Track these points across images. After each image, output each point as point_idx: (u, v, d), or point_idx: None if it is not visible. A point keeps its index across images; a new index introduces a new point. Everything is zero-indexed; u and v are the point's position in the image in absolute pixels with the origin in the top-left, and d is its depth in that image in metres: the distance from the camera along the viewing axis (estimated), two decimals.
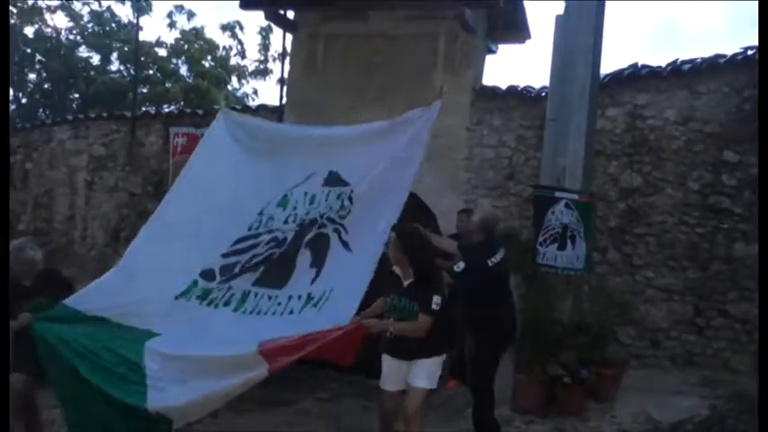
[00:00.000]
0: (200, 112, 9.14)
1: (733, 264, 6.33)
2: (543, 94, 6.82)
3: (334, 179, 4.63)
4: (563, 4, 6.11)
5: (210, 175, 4.70)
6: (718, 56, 6.46)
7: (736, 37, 26.12)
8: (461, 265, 4.77)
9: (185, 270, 4.30)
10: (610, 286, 6.49)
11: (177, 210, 4.60)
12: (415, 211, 7.35)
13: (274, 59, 16.08)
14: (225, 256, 4.35)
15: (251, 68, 16.61)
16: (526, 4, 7.93)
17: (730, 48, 6.36)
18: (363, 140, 4.68)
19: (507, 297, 4.99)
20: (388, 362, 4.35)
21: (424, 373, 4.26)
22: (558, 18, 6.13)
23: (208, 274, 4.28)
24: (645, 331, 6.58)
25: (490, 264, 4.77)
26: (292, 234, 4.42)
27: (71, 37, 15.27)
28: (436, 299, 4.11)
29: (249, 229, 4.45)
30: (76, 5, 15.12)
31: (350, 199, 4.48)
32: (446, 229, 7.09)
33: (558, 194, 5.77)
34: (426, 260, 4.30)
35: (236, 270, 4.31)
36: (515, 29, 8.16)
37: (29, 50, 14.62)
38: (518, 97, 7.25)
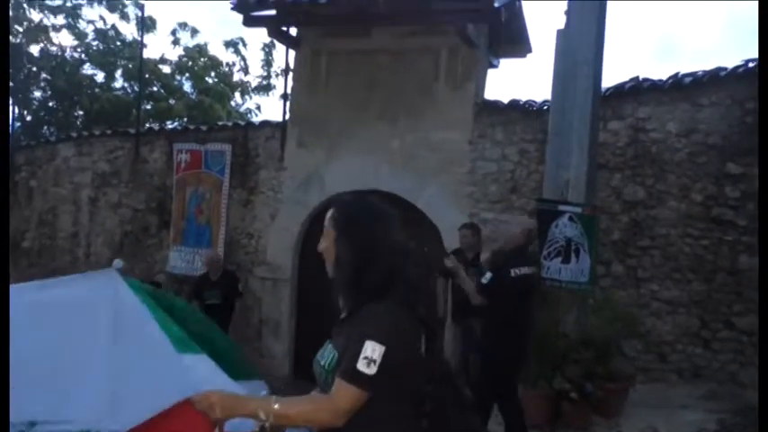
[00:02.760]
0: (203, 128, 9.18)
1: (737, 276, 6.30)
2: (545, 107, 6.83)
3: None
4: (564, 19, 6.14)
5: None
6: (719, 68, 6.47)
7: (736, 52, 26.22)
8: (488, 275, 4.70)
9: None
10: (615, 299, 6.46)
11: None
12: (419, 227, 7.40)
13: (277, 75, 16.14)
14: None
15: (254, 84, 16.67)
16: (527, 19, 7.99)
17: (730, 62, 6.36)
18: None
19: (528, 313, 4.91)
20: None
21: None
22: (559, 32, 6.15)
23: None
24: (651, 345, 6.54)
25: (513, 274, 4.73)
26: None
27: (76, 55, 15.36)
28: (371, 350, 1.83)
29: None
30: (82, 24, 15.25)
31: None
32: (450, 245, 7.08)
33: (561, 208, 5.75)
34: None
35: None
36: (517, 43, 8.21)
37: (34, 69, 14.71)
38: (520, 111, 7.27)
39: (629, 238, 6.72)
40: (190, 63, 15.94)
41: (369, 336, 1.82)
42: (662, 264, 6.59)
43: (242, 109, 16.82)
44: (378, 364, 1.80)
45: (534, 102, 7.26)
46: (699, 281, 6.45)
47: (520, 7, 7.69)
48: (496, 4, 6.75)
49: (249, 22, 7.74)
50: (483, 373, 4.91)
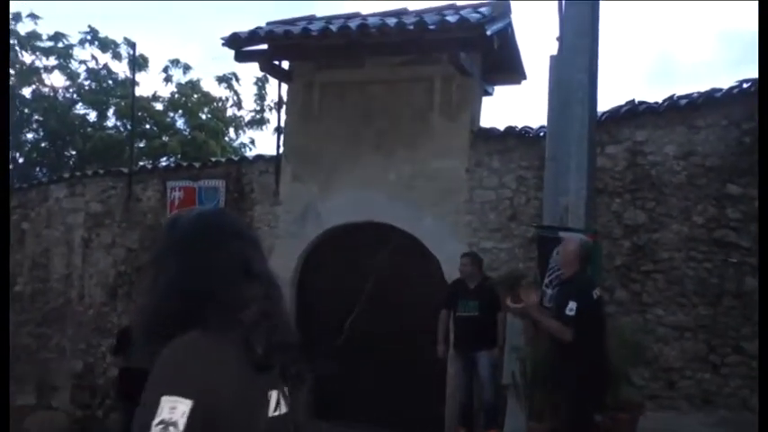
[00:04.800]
0: (196, 164, 9.19)
1: (744, 298, 6.26)
2: (542, 133, 6.86)
3: None
4: (557, 44, 6.19)
5: None
6: (714, 90, 6.52)
7: (731, 67, 26.47)
8: (573, 306, 4.46)
9: None
10: (620, 326, 6.39)
11: None
12: (421, 259, 7.36)
13: (270, 109, 16.27)
14: None
15: (247, 119, 16.79)
16: (520, 45, 8.06)
17: (726, 79, 6.40)
18: None
19: (606, 343, 4.68)
20: None
21: None
22: (553, 58, 6.20)
23: None
24: (659, 371, 6.47)
25: (595, 296, 4.54)
26: None
27: (68, 95, 15.48)
28: (168, 410, 1.42)
29: None
30: (74, 64, 15.39)
31: None
32: (450, 275, 7.04)
33: (561, 234, 5.72)
34: None
35: None
36: (511, 70, 8.28)
37: (26, 111, 14.80)
38: (516, 138, 7.30)
39: (632, 262, 6.69)
40: (183, 99, 16.06)
41: (164, 387, 1.31)
42: (666, 288, 6.55)
43: (236, 144, 16.89)
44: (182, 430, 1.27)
45: (531, 128, 7.29)
46: (704, 304, 6.41)
47: (512, 34, 7.77)
48: (488, 33, 6.81)
49: (241, 57, 7.80)
50: (568, 417, 4.60)
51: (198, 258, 1.47)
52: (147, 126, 15.52)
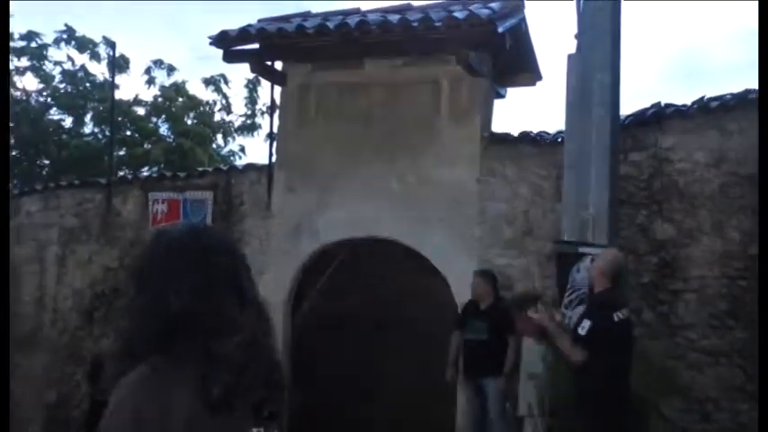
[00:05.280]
0: (181, 174, 9.24)
1: None
2: (559, 139, 6.89)
3: None
4: (574, 42, 6.24)
5: None
6: (747, 91, 6.53)
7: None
8: (586, 325, 4.53)
9: None
10: (647, 351, 6.38)
11: None
12: (428, 277, 7.38)
13: (262, 114, 16.34)
14: None
15: (237, 124, 16.88)
16: (535, 43, 8.12)
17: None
18: None
19: (629, 370, 4.72)
20: None
21: None
22: (570, 57, 6.25)
23: None
24: (692, 402, 6.45)
25: (616, 319, 4.58)
26: None
27: (41, 99, 15.60)
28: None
29: None
30: (48, 66, 15.51)
31: None
32: (459, 294, 7.06)
33: (581, 250, 5.74)
34: None
35: None
36: (524, 70, 8.34)
37: None
38: (532, 144, 7.33)
39: (660, 281, 6.69)
40: (166, 104, 16.17)
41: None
42: (698, 309, 6.55)
43: (224, 152, 16.98)
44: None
45: (547, 133, 7.32)
46: (741, 327, 6.39)
47: (526, 31, 7.82)
48: (500, 30, 6.87)
49: (230, 57, 7.87)
50: None
51: (186, 276, 1.47)
52: (128, 133, 15.62)
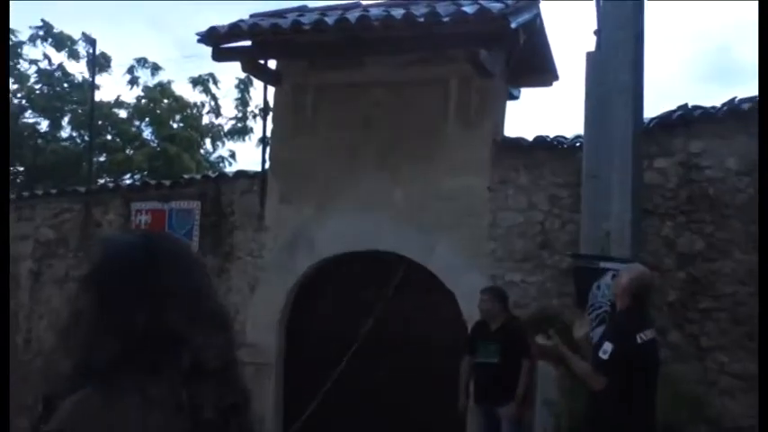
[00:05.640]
0: (166, 182, 9.23)
1: None
2: (578, 144, 6.87)
3: None
4: (594, 39, 6.23)
5: None
6: None
7: None
8: (608, 348, 4.49)
9: None
10: (674, 375, 6.35)
11: None
12: (435, 295, 7.35)
13: (254, 117, 16.42)
14: None
15: (227, 128, 16.93)
16: (551, 40, 8.12)
17: None
18: None
19: (654, 396, 4.70)
20: None
21: None
22: (590, 55, 6.24)
23: None
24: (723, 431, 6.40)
25: (639, 340, 4.56)
26: None
27: (15, 101, 15.64)
28: None
29: None
30: (23, 65, 15.57)
31: None
32: (468, 313, 7.03)
33: (602, 265, 5.71)
34: None
35: None
36: (540, 70, 8.34)
37: None
38: (548, 149, 7.31)
39: (688, 298, 6.66)
40: (150, 105, 16.21)
41: None
42: (730, 329, 6.51)
43: (213, 158, 17.03)
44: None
45: (564, 138, 7.31)
46: None
47: (542, 27, 7.82)
48: (513, 25, 6.86)
49: (220, 55, 7.87)
50: None
51: (133, 291, 1.43)
52: (109, 137, 15.67)
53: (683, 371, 6.48)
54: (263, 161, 8.45)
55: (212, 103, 16.77)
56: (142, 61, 16.20)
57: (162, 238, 1.61)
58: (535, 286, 7.19)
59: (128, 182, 13.31)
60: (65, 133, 15.94)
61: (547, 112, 24.77)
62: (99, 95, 14.31)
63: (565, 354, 4.85)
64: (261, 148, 8.63)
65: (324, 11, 7.64)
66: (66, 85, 15.72)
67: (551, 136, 7.37)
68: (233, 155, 17.26)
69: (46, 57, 15.68)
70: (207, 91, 16.56)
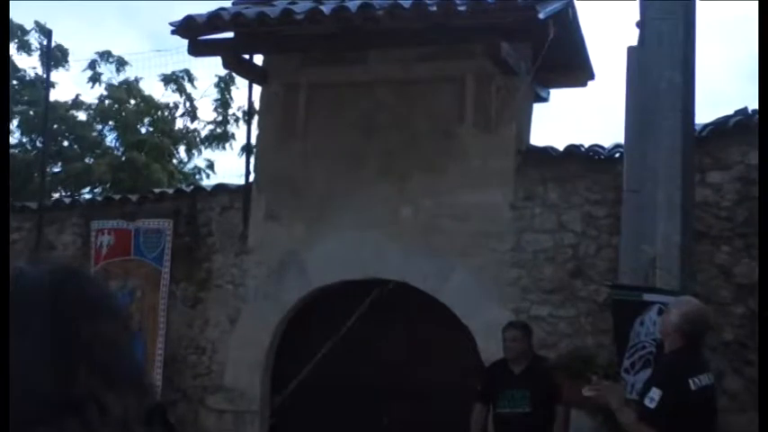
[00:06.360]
0: (132, 197, 9.23)
1: None
2: (617, 155, 6.88)
3: None
4: (637, 32, 6.24)
5: None
6: None
7: None
8: (655, 395, 4.52)
9: None
10: (732, 428, 6.31)
11: None
12: (447, 330, 7.33)
13: (237, 120, 16.43)
14: None
15: (204, 133, 16.93)
16: (585, 34, 8.14)
17: None
18: None
19: None
20: None
21: None
22: (632, 50, 6.25)
23: None
24: None
25: (692, 386, 4.58)
26: None
27: None
28: None
29: None
30: None
31: None
32: (487, 352, 6.99)
33: (646, 297, 5.71)
34: None
35: None
36: (572, 67, 8.35)
37: None
38: (582, 161, 7.32)
39: (748, 337, 6.63)
40: (115, 107, 16.23)
41: None
42: None
43: (188, 169, 17.02)
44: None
45: (602, 147, 7.32)
46: None
47: (575, 19, 7.84)
48: (541, 16, 6.87)
49: (198, 48, 7.89)
50: None
51: (33, 340, 1.36)
52: (66, 143, 15.67)
53: (742, 421, 6.45)
54: (247, 173, 8.46)
55: (187, 105, 16.78)
56: (105, 55, 16.20)
57: (70, 279, 1.50)
58: (566, 321, 7.17)
59: (87, 196, 13.30)
60: (13, 139, 15.98)
61: (581, 116, 24.79)
62: (54, 95, 14.31)
63: (612, 402, 4.85)
64: (244, 157, 8.65)
65: None
66: (15, 82, 15.77)
67: (586, 145, 7.38)
68: (211, 165, 17.26)
69: None
70: (181, 90, 16.56)
